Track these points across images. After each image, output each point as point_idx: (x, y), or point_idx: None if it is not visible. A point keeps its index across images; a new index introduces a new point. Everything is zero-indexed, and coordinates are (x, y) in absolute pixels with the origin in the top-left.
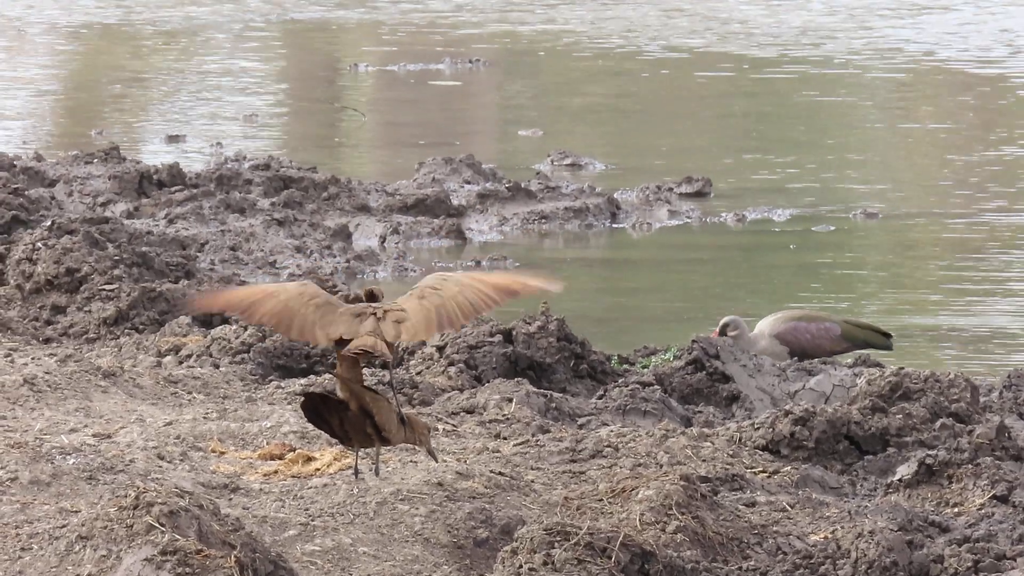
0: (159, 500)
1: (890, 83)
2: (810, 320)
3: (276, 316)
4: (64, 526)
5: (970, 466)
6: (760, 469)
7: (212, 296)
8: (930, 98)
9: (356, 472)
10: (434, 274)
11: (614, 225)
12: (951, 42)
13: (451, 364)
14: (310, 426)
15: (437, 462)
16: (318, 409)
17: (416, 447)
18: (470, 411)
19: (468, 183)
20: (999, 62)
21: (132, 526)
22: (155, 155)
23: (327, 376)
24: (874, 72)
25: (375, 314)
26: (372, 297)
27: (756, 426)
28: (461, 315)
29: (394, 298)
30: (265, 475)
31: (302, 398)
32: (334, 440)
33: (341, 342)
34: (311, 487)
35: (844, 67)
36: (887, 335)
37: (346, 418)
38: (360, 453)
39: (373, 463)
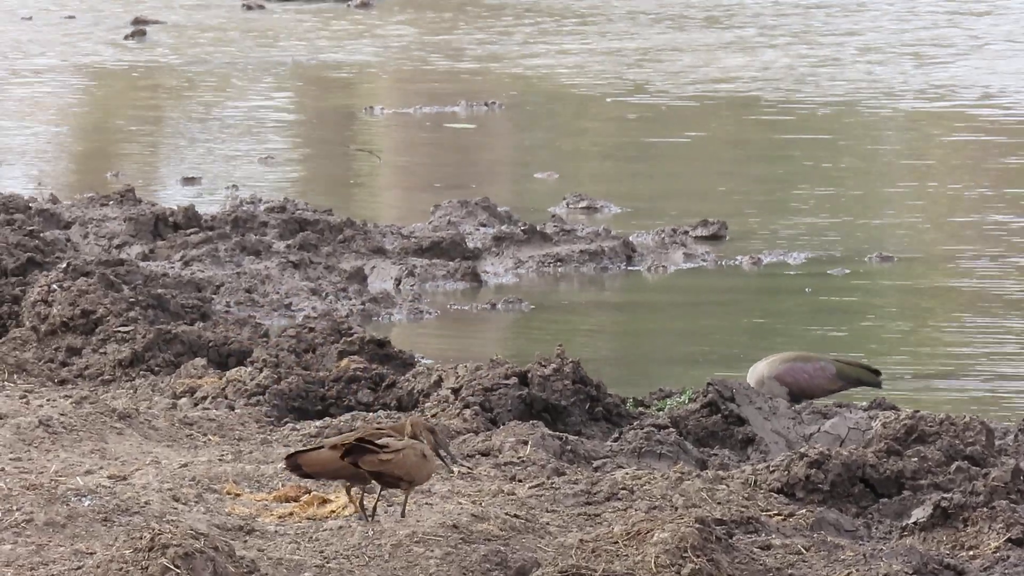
0: (174, 542)
1: (909, 130)
2: (805, 360)
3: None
4: (79, 568)
5: (985, 509)
6: (775, 512)
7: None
8: (947, 145)
9: (372, 514)
10: None
11: (629, 268)
12: (971, 88)
13: (466, 406)
14: None
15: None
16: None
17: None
18: (485, 453)
19: (483, 226)
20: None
21: (147, 568)
22: (171, 197)
23: (342, 418)
24: (893, 121)
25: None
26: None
27: (771, 469)
28: None
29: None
30: (280, 517)
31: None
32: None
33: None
34: (326, 529)
35: (861, 115)
36: (877, 372)
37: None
38: (376, 494)
39: (400, 505)
